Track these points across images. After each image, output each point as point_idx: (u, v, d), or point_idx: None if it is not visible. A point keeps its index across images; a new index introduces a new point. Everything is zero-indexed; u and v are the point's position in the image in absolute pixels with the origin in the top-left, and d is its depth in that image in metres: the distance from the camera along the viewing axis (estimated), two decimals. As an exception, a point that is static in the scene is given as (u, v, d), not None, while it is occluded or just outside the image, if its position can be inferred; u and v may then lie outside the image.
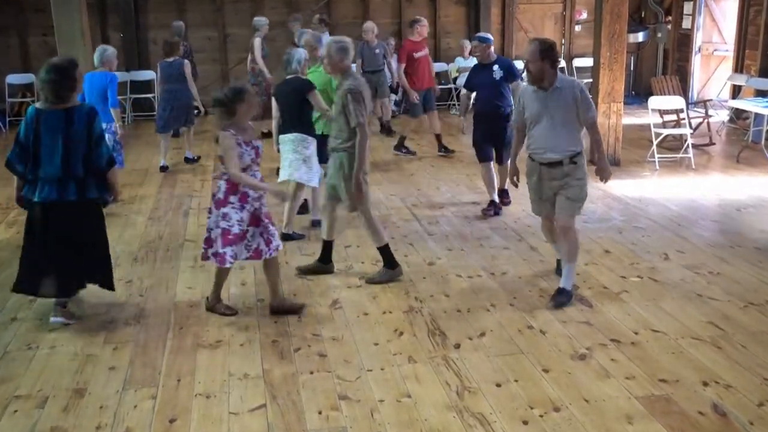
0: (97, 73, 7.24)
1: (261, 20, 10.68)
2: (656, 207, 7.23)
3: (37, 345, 4.53)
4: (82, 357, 4.37)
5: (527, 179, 5.13)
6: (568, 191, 4.92)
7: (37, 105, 4.66)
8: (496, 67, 6.95)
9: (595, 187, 7.94)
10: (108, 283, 4.91)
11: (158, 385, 4.04)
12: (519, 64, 13.75)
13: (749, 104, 9.46)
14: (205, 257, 4.82)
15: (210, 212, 4.77)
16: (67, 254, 4.64)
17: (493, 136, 6.97)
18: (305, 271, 5.58)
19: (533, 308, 4.94)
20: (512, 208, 7.24)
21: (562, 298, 4.96)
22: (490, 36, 7.24)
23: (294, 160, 6.16)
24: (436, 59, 12.87)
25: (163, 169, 9.04)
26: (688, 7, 12.76)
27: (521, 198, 7.56)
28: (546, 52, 4.75)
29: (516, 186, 5.43)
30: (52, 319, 4.79)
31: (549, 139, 4.87)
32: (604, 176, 5.07)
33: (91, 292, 5.30)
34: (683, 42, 12.97)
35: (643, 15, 14.11)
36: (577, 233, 5.17)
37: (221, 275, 4.88)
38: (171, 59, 9.02)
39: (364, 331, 4.65)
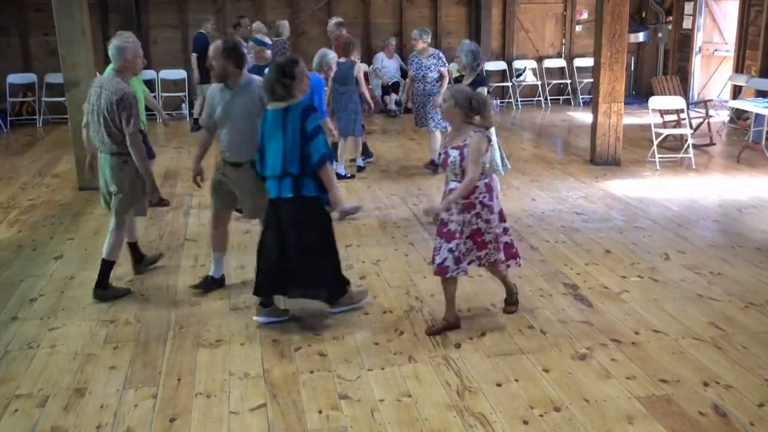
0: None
1: (283, 24, 10.71)
2: (657, 207, 7.24)
3: (37, 344, 4.53)
4: (83, 356, 4.37)
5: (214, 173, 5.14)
6: (245, 195, 4.97)
7: (268, 105, 4.64)
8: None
9: (595, 188, 7.95)
10: (332, 296, 4.77)
11: (159, 385, 4.04)
12: (519, 64, 13.84)
13: (750, 104, 9.46)
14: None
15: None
16: (284, 254, 4.57)
17: None
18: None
19: (533, 308, 4.94)
20: (513, 208, 7.24)
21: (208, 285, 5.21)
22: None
23: None
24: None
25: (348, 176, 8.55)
26: (688, 8, 12.76)
27: (522, 198, 7.58)
28: (229, 51, 4.74)
29: (199, 186, 5.33)
30: (255, 318, 4.78)
31: (234, 139, 4.85)
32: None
33: (90, 289, 5.31)
34: (684, 42, 12.97)
35: (643, 15, 14.10)
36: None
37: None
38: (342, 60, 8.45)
39: (364, 330, 4.65)
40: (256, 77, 5.03)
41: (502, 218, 4.58)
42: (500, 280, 4.86)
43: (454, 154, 4.41)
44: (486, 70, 7.02)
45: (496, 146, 6.37)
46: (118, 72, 4.97)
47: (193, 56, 11.09)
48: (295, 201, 4.47)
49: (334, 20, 9.48)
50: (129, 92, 4.89)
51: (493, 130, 4.36)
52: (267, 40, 8.61)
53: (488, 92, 6.83)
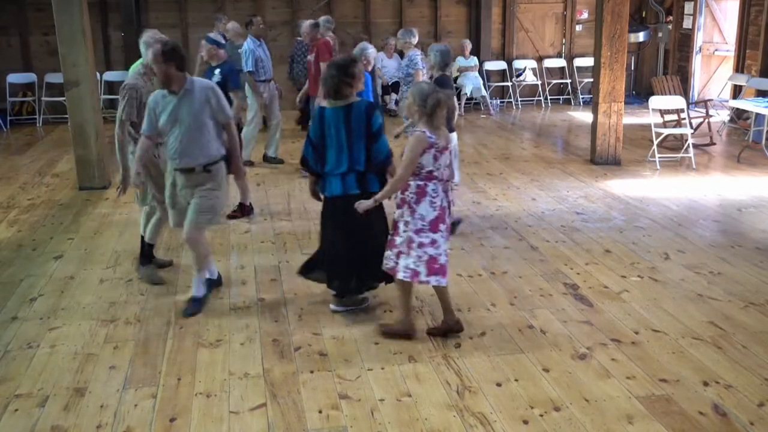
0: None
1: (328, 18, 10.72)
2: (657, 207, 7.24)
3: (37, 344, 4.53)
4: (83, 356, 4.37)
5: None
6: (198, 201, 4.80)
7: (323, 103, 4.70)
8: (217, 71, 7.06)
9: (595, 187, 7.95)
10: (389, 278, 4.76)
11: (159, 384, 4.04)
12: (519, 64, 13.83)
13: (750, 104, 9.46)
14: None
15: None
16: (354, 249, 4.66)
17: None
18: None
19: (533, 308, 4.94)
20: (513, 208, 7.24)
21: (193, 308, 4.90)
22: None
23: None
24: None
25: None
26: (689, 7, 12.76)
27: (522, 197, 7.57)
28: (169, 54, 4.58)
29: (122, 193, 5.30)
30: (332, 306, 4.90)
31: (182, 144, 4.73)
32: (238, 176, 4.92)
33: (90, 289, 5.31)
34: (684, 42, 12.97)
35: (644, 15, 14.10)
36: (205, 245, 5.02)
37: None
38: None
39: (364, 330, 4.65)
40: (198, 79, 4.94)
41: (435, 229, 4.29)
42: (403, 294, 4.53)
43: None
44: (447, 76, 7.02)
45: (454, 153, 6.19)
46: (144, 66, 5.08)
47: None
48: (362, 197, 4.51)
49: (307, 22, 9.25)
50: (129, 83, 4.98)
51: (454, 135, 4.29)
52: (221, 39, 8.45)
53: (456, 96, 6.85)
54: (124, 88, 5.10)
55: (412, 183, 4.30)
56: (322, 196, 4.80)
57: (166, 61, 4.58)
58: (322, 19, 9.82)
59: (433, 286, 4.45)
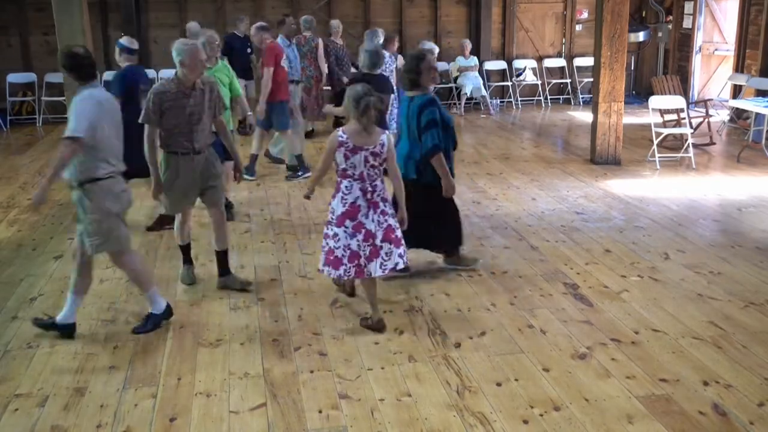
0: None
1: (335, 22, 10.77)
2: (657, 206, 7.24)
3: (37, 344, 4.53)
4: (83, 356, 4.37)
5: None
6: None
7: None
8: None
9: (595, 187, 7.96)
10: (453, 247, 5.59)
11: (158, 384, 4.04)
12: (519, 64, 13.83)
13: (750, 104, 9.46)
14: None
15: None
16: (422, 225, 5.07)
17: None
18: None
19: (533, 307, 4.94)
20: (513, 207, 7.24)
21: (145, 326, 4.68)
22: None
23: None
24: (437, 58, 12.87)
25: None
26: (688, 7, 12.76)
27: (522, 197, 7.57)
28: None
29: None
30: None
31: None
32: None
33: (90, 288, 5.32)
34: (684, 42, 12.97)
35: (643, 14, 14.10)
36: (132, 263, 4.67)
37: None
38: None
39: (364, 330, 4.65)
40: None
41: (339, 223, 4.48)
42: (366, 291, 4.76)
43: None
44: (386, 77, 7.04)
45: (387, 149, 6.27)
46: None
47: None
48: (416, 183, 5.11)
49: (255, 25, 9.10)
50: (153, 88, 4.96)
51: (385, 137, 4.43)
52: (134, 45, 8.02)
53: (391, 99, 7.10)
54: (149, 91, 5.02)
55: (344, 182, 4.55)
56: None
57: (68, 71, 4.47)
58: (302, 18, 9.86)
59: (362, 282, 4.70)
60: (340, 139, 4.39)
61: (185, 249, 5.50)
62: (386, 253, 4.52)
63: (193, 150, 4.95)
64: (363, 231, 4.47)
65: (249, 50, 10.99)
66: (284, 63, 8.57)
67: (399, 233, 4.61)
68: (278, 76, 8.22)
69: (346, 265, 4.48)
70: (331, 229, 4.51)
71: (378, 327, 4.62)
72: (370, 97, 4.36)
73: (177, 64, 4.85)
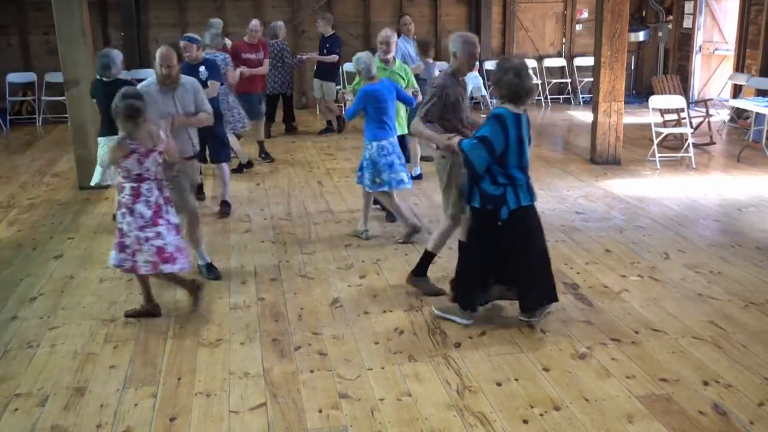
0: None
1: (278, 25, 10.76)
2: (657, 206, 7.23)
3: (37, 343, 4.53)
4: (83, 355, 4.37)
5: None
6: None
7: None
8: (202, 68, 6.89)
9: (595, 187, 7.96)
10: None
11: (158, 384, 4.04)
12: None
13: (750, 104, 9.46)
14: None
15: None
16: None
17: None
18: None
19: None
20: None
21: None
22: (197, 36, 7.21)
23: None
24: (438, 58, 12.87)
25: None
26: (689, 7, 12.76)
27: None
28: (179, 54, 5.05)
29: None
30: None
31: (183, 136, 5.26)
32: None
33: (90, 288, 5.31)
34: (684, 41, 12.96)
35: (644, 14, 14.10)
36: None
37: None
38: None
39: (364, 329, 4.65)
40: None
41: (155, 223, 4.61)
42: (142, 284, 4.87)
43: None
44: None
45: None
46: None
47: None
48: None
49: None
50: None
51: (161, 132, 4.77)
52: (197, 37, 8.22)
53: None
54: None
55: (126, 185, 4.60)
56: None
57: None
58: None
59: (145, 274, 4.74)
60: (131, 146, 4.51)
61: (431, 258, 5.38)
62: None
63: None
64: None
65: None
66: None
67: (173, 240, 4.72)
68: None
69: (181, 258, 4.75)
70: (151, 231, 4.63)
71: (155, 312, 4.88)
72: (125, 102, 4.46)
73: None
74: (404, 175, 6.22)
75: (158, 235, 4.62)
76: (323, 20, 10.97)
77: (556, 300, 4.68)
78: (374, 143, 6.12)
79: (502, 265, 4.57)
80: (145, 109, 4.54)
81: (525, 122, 4.58)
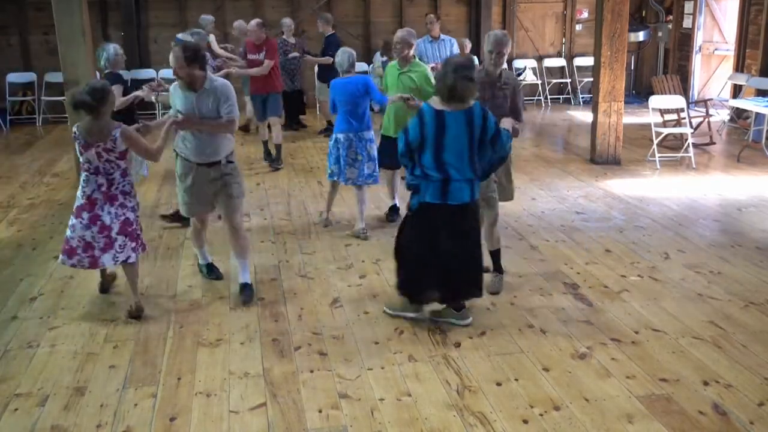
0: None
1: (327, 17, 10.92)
2: (657, 206, 7.23)
3: (37, 343, 4.53)
4: (83, 355, 4.37)
5: (180, 181, 5.17)
6: (231, 191, 5.09)
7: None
8: None
9: (595, 187, 7.96)
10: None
11: (158, 384, 4.04)
12: (520, 64, 13.82)
13: (750, 104, 9.46)
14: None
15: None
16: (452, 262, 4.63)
17: None
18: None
19: (533, 307, 4.94)
20: (513, 207, 7.22)
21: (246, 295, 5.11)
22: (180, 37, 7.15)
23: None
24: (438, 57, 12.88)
25: None
26: (688, 7, 12.76)
27: (522, 197, 7.57)
28: (190, 58, 4.78)
29: None
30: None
31: (204, 140, 4.97)
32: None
33: (90, 288, 5.31)
34: (684, 41, 12.97)
35: (644, 14, 14.10)
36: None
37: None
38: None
39: (364, 329, 4.65)
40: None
41: (77, 215, 4.73)
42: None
43: None
44: None
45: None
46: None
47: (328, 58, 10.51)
48: (467, 206, 4.57)
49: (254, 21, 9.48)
50: None
51: (118, 132, 4.73)
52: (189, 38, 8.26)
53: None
54: None
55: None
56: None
57: (189, 64, 4.79)
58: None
59: (124, 268, 4.90)
60: (74, 135, 4.68)
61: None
62: (120, 245, 4.74)
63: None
64: (98, 223, 4.69)
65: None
66: None
67: (136, 227, 4.83)
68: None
69: (80, 255, 4.74)
70: (70, 220, 4.77)
71: (137, 314, 4.84)
72: (76, 94, 4.58)
73: None
74: (354, 173, 6.39)
75: (72, 227, 4.75)
76: (322, 20, 10.99)
77: (458, 307, 4.68)
78: (334, 134, 6.45)
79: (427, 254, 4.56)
80: (94, 105, 4.55)
81: (456, 121, 4.32)
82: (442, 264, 4.50)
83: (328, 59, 10.72)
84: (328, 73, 10.94)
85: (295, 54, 10.97)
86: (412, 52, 6.57)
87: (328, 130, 11.25)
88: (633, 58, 13.87)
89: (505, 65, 5.15)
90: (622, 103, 8.80)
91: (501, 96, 5.08)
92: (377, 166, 6.50)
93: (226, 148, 5.06)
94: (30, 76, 12.45)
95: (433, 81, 6.24)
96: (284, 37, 10.81)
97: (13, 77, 12.36)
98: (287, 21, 11.02)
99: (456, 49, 8.64)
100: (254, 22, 9.33)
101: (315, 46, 11.63)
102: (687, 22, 12.83)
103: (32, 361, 4.31)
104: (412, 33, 6.65)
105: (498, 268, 5.30)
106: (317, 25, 11.16)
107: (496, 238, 5.27)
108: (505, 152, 4.56)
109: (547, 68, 13.91)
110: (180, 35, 7.27)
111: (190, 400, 3.87)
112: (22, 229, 6.79)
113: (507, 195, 5.36)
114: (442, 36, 9.03)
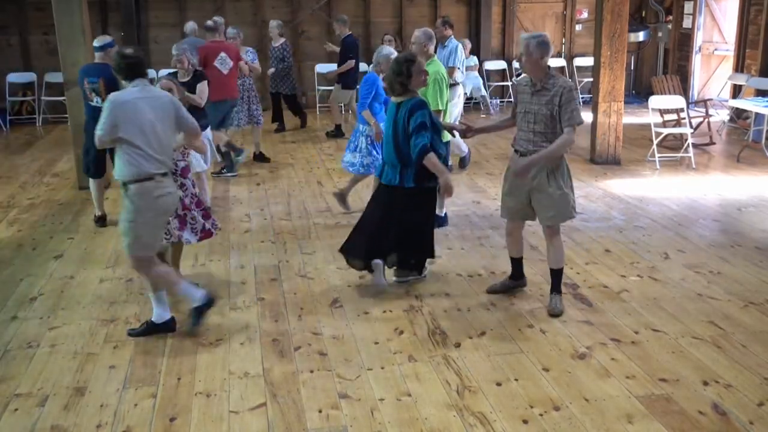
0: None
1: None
2: (657, 206, 7.24)
3: (37, 343, 4.53)
4: (83, 355, 4.37)
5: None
6: None
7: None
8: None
9: (595, 187, 7.95)
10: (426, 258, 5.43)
11: (158, 384, 4.04)
12: (518, 64, 13.79)
13: (750, 104, 9.46)
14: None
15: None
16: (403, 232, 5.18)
17: None
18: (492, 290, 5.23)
19: (533, 307, 4.94)
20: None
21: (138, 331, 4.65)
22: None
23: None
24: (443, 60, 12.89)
25: None
26: (688, 7, 12.76)
27: (522, 197, 7.56)
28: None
29: None
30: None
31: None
32: None
33: (90, 288, 5.32)
34: (684, 41, 12.97)
35: (643, 14, 14.10)
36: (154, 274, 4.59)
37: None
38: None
39: (364, 329, 4.65)
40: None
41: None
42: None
43: None
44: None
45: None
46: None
47: (352, 61, 10.69)
48: (408, 191, 5.04)
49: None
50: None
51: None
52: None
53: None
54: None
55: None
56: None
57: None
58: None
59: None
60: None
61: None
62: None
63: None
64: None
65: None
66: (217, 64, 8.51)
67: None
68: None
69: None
70: None
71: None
72: None
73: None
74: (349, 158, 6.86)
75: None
76: (338, 23, 10.94)
77: (407, 269, 5.30)
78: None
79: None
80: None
81: (390, 111, 5.05)
82: (371, 231, 5.12)
83: (349, 64, 10.60)
84: (345, 77, 10.79)
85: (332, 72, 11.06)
86: (431, 47, 6.52)
87: (337, 134, 11.03)
88: (633, 58, 13.87)
89: (553, 72, 4.71)
90: (622, 103, 8.80)
91: (536, 102, 4.66)
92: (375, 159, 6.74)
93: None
94: (30, 76, 12.45)
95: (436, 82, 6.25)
96: (273, 43, 10.79)
97: (13, 77, 12.36)
98: (272, 24, 10.83)
99: (460, 52, 8.60)
100: (232, 28, 9.37)
101: (315, 46, 11.63)
102: (687, 22, 12.83)
103: (32, 361, 4.31)
104: (427, 31, 6.59)
105: (555, 287, 4.95)
106: (334, 28, 11.09)
107: (551, 255, 4.92)
108: (415, 156, 4.85)
109: (547, 68, 13.89)
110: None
111: (190, 400, 3.87)
112: (22, 229, 6.79)
113: (552, 210, 4.77)
114: (449, 40, 8.92)
